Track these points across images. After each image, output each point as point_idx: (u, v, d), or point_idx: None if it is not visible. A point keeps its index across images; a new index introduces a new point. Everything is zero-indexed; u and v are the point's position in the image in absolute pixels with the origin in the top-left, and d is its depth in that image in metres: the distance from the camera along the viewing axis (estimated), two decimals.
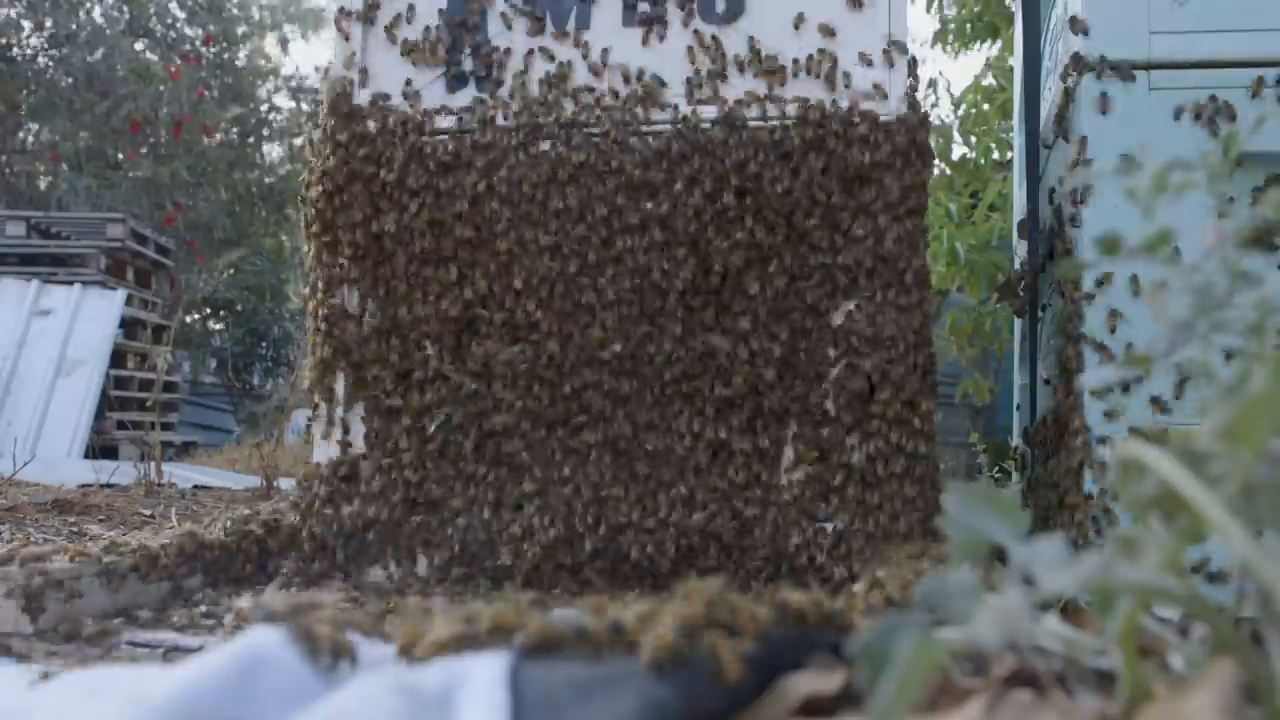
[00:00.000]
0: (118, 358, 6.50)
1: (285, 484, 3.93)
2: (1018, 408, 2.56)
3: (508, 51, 2.09)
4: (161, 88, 9.92)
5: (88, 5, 10.57)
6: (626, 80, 2.04)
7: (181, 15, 11.55)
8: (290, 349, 11.47)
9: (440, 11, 2.11)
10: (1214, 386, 0.60)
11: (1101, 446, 1.72)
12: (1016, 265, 2.40)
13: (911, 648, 0.53)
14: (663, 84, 2.02)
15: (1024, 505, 2.08)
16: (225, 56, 11.71)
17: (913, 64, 2.00)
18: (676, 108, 1.99)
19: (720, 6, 2.04)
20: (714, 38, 2.02)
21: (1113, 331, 1.75)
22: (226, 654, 0.70)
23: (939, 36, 4.98)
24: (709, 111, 1.98)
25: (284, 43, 12.79)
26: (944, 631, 0.55)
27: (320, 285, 2.08)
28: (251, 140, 12.06)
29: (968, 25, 4.85)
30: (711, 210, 1.93)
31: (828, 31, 2.00)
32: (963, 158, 4.66)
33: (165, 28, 11.39)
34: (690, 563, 1.92)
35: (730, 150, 1.93)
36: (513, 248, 1.98)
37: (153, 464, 3.91)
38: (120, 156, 10.47)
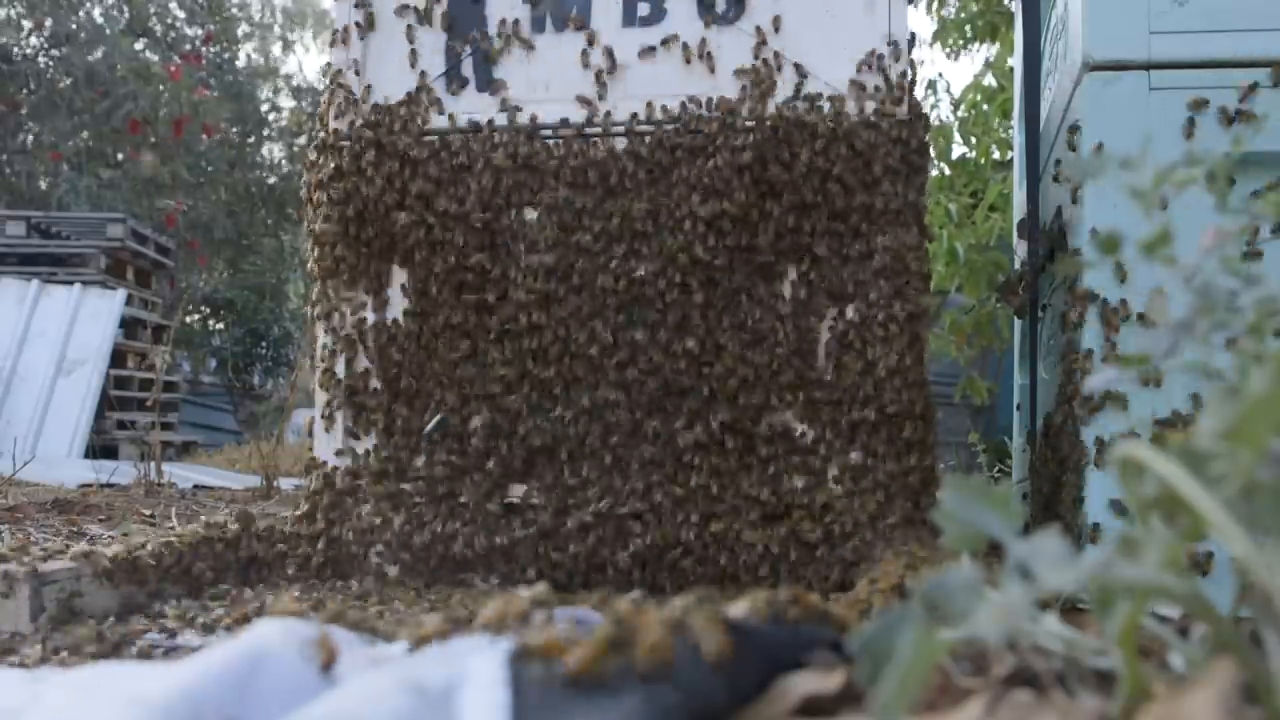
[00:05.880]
0: (118, 358, 6.50)
1: (285, 484, 3.93)
2: (1018, 408, 2.56)
3: (509, 52, 2.09)
4: (161, 87, 9.92)
5: (87, 5, 10.57)
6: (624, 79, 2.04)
7: (181, 15, 11.55)
8: (290, 349, 11.47)
9: (442, 13, 2.11)
10: (1215, 387, 0.60)
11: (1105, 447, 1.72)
12: (1016, 265, 2.40)
13: (912, 644, 0.53)
14: (660, 83, 2.03)
15: (1022, 504, 2.06)
16: (225, 56, 11.71)
17: (912, 64, 2.00)
18: (680, 107, 1.99)
19: (720, 5, 2.04)
20: (712, 37, 2.02)
21: (1118, 330, 1.75)
22: (228, 652, 0.70)
23: (938, 36, 4.97)
24: (705, 111, 1.98)
25: (285, 41, 12.79)
26: (944, 629, 0.55)
27: (320, 285, 2.08)
28: (252, 140, 12.06)
29: (967, 25, 4.84)
30: (707, 212, 1.92)
31: (826, 32, 2.00)
32: (962, 157, 4.66)
33: (165, 27, 11.38)
34: (696, 562, 1.92)
35: (726, 151, 1.93)
36: (514, 247, 1.98)
37: (153, 464, 3.91)
38: (120, 156, 10.46)
